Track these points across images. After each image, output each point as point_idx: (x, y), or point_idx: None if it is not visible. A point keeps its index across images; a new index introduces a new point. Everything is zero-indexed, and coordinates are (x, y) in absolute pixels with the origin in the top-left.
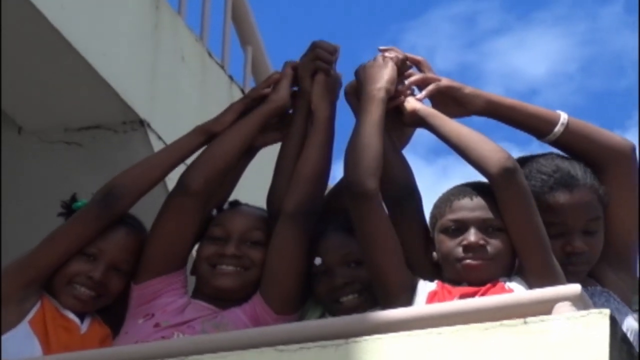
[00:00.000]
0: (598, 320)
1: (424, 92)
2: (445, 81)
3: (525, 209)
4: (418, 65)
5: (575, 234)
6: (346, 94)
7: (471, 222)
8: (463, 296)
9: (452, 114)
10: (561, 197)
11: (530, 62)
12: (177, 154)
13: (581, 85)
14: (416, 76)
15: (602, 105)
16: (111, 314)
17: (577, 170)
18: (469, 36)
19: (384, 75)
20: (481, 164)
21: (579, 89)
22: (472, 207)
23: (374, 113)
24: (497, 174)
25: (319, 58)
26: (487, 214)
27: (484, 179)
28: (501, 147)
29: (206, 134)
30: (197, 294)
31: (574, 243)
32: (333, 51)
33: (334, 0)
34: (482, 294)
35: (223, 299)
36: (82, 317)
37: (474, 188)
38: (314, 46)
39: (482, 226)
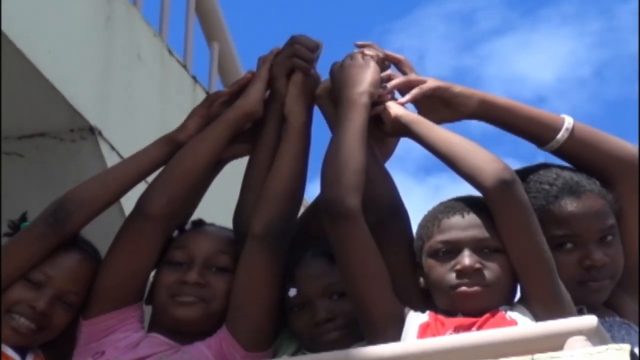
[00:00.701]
0: (616, 356)
1: (407, 97)
2: (430, 82)
3: (526, 225)
4: (398, 65)
5: (591, 245)
6: (318, 97)
7: (464, 243)
8: (458, 328)
9: (441, 119)
10: (568, 204)
11: (536, 66)
12: (138, 167)
13: (595, 92)
14: (398, 79)
15: (618, 113)
16: (53, 348)
17: (580, 176)
18: (466, 37)
19: (366, 77)
20: (474, 175)
21: (592, 96)
22: (465, 225)
23: (356, 121)
24: (493, 187)
25: (298, 55)
26: (482, 232)
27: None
28: (497, 156)
29: (171, 144)
30: (154, 326)
31: (592, 255)
32: (314, 48)
33: None
34: (480, 326)
35: (184, 332)
36: (23, 353)
37: (466, 204)
38: (293, 41)
39: (477, 247)
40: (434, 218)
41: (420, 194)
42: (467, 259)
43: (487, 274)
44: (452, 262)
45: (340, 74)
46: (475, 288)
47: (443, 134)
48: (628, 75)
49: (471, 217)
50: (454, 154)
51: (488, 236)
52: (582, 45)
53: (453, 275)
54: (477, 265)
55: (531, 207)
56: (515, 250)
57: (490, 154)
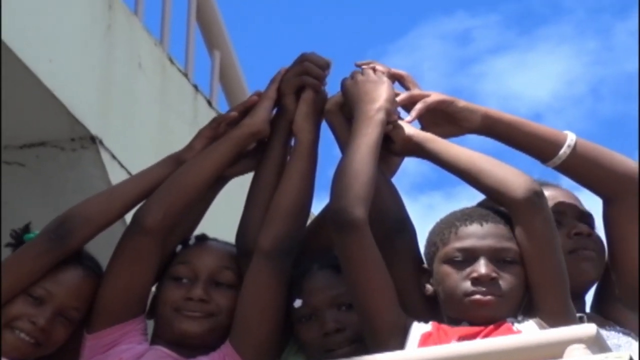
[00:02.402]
0: None
1: (412, 113)
2: (434, 96)
3: (550, 238)
4: (401, 81)
5: (573, 219)
6: (328, 111)
7: (481, 252)
8: (462, 338)
9: (444, 134)
10: (547, 190)
11: (532, 84)
12: (143, 185)
13: (590, 110)
14: (402, 95)
15: (613, 131)
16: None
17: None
18: (462, 56)
19: (382, 93)
20: (502, 187)
21: (587, 114)
22: (483, 234)
23: (371, 136)
24: (524, 198)
25: (308, 73)
26: (499, 242)
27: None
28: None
29: (177, 163)
30: (157, 339)
31: (577, 226)
32: (325, 66)
33: (309, 15)
34: (485, 336)
35: (188, 346)
36: None
37: (483, 212)
38: (303, 59)
39: (493, 257)
40: (450, 225)
41: (414, 212)
42: (483, 267)
43: (502, 283)
44: (468, 270)
45: (354, 89)
46: (489, 297)
47: (461, 149)
48: (623, 93)
49: (489, 227)
50: (478, 169)
51: (505, 246)
52: (579, 64)
53: (468, 283)
54: (494, 275)
55: (554, 221)
56: (536, 262)
57: (515, 168)
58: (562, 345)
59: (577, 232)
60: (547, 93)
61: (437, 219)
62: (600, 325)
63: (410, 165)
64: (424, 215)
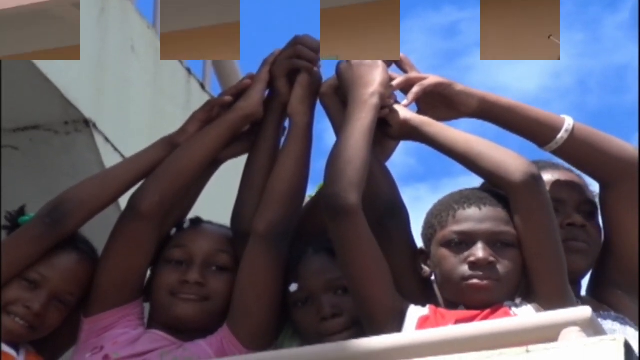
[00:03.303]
0: (611, 347)
1: (410, 97)
2: (431, 79)
3: (548, 222)
4: (398, 64)
5: (570, 209)
6: (323, 94)
7: (479, 236)
8: (459, 321)
9: (441, 117)
10: (549, 174)
11: (519, 76)
12: (137, 168)
13: (577, 102)
14: (399, 78)
15: (600, 123)
16: (44, 342)
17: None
18: (449, 49)
19: (376, 77)
20: (500, 170)
21: (574, 106)
22: (481, 218)
23: (365, 120)
24: (522, 182)
25: (300, 56)
26: (497, 226)
27: None
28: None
29: (170, 146)
30: (153, 322)
31: (572, 216)
32: (318, 48)
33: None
34: (482, 320)
35: (184, 330)
36: (14, 348)
37: (481, 195)
38: (296, 42)
39: (491, 240)
40: (448, 207)
41: None
42: (481, 251)
43: (500, 268)
44: (465, 254)
45: (349, 73)
46: (486, 282)
47: (459, 133)
48: (611, 85)
49: (488, 210)
50: (476, 151)
51: (503, 230)
52: (566, 56)
53: (466, 267)
54: (491, 259)
55: (552, 204)
56: (534, 245)
57: (512, 151)
58: (557, 328)
59: (569, 222)
60: (534, 85)
61: (423, 211)
62: (595, 310)
63: (396, 157)
64: (410, 207)
